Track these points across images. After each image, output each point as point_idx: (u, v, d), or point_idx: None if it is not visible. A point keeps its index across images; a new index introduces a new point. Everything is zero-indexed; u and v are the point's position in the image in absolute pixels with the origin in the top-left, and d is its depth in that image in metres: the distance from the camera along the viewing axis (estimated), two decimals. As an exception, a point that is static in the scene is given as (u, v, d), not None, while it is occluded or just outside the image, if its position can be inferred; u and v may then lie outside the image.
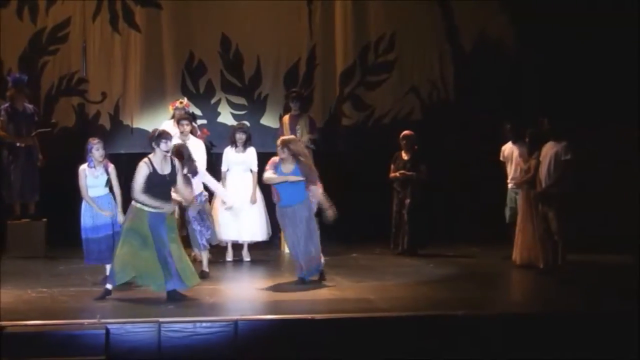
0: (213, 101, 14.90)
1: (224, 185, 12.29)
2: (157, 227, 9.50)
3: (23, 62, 14.41)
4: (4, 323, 8.24)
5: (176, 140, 12.18)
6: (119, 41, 14.67)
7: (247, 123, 12.83)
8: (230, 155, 12.39)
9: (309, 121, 13.64)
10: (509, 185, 12.55)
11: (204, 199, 11.34)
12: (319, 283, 10.69)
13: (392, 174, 13.04)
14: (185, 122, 12.15)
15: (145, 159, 9.59)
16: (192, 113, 13.28)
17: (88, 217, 10.50)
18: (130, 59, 14.70)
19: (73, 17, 14.57)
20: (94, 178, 10.47)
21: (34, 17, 14.50)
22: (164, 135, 9.64)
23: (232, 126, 13.25)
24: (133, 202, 9.59)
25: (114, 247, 10.04)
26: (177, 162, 9.80)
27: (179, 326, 8.36)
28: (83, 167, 10.53)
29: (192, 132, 12.37)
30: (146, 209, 9.49)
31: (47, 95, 14.46)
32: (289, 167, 10.62)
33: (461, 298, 9.81)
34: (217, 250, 12.55)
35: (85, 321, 8.39)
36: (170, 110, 13.03)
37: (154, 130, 9.95)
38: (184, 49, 14.82)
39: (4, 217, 12.97)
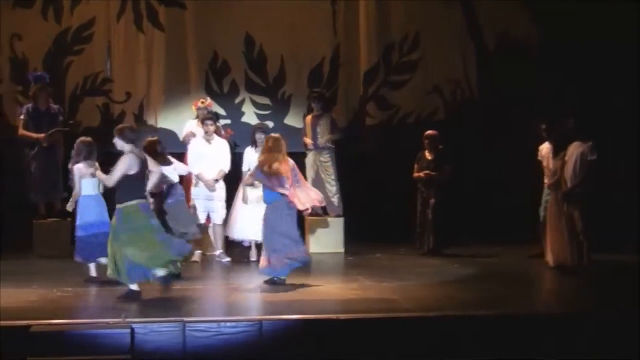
0: (237, 101, 14.93)
1: (244, 185, 12.33)
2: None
3: (48, 62, 14.49)
4: (30, 322, 8.27)
5: (200, 140, 12.26)
6: (143, 41, 14.71)
7: (267, 123, 12.85)
8: (250, 156, 12.39)
9: (330, 121, 13.62)
10: (546, 185, 12.50)
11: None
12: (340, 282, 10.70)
13: (416, 174, 13.02)
14: (209, 122, 12.19)
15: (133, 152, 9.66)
16: (216, 113, 13.30)
17: (83, 214, 10.59)
18: (155, 59, 14.74)
19: (98, 17, 14.63)
20: (90, 176, 10.55)
21: (58, 17, 14.57)
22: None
23: (253, 126, 13.27)
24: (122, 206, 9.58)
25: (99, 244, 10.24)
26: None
27: (204, 326, 8.36)
28: (79, 166, 10.63)
29: (217, 132, 12.39)
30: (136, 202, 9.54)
31: (72, 96, 14.53)
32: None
33: (485, 298, 9.78)
34: (241, 251, 12.58)
35: (111, 320, 8.41)
36: (194, 110, 13.06)
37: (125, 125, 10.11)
38: (208, 48, 14.85)
39: (29, 216, 13.00)
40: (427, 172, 12.90)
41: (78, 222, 10.69)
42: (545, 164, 12.45)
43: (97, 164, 10.61)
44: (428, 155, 13.01)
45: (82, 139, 10.93)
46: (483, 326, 8.64)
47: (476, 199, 14.25)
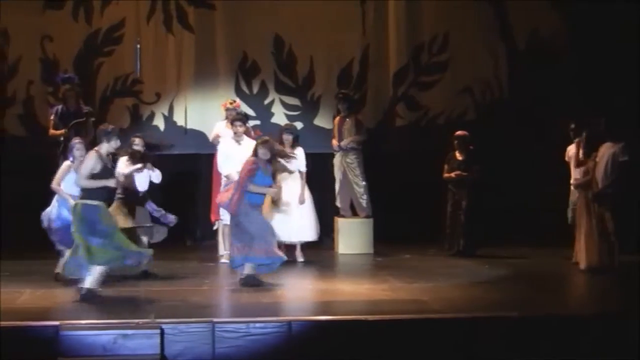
0: (266, 102, 14.92)
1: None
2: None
3: (78, 63, 14.53)
4: (59, 322, 8.30)
5: (229, 141, 12.25)
6: (172, 42, 14.74)
7: (296, 124, 12.83)
8: (278, 156, 12.42)
9: (354, 122, 13.59)
10: (572, 186, 12.45)
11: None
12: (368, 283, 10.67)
13: (446, 175, 13.00)
14: (238, 123, 12.18)
15: (97, 149, 9.66)
16: (245, 113, 13.29)
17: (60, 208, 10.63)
18: (184, 59, 14.76)
19: (127, 18, 14.66)
20: (75, 174, 10.54)
21: (89, 18, 14.61)
22: (114, 133, 9.72)
23: (280, 127, 13.27)
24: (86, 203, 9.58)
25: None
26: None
27: (233, 326, 8.36)
28: (68, 163, 10.71)
29: (246, 133, 12.39)
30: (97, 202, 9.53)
31: (101, 96, 14.57)
32: (268, 168, 10.57)
33: (515, 299, 9.74)
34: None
35: (140, 320, 8.42)
36: (223, 111, 13.07)
37: (107, 125, 10.07)
38: (237, 49, 14.85)
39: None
40: (458, 172, 12.86)
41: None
42: (572, 164, 12.40)
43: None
44: (458, 156, 12.97)
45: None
46: (513, 328, 8.59)
47: (505, 199, 14.16)
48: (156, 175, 11.26)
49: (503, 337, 8.53)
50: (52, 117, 12.92)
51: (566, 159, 12.57)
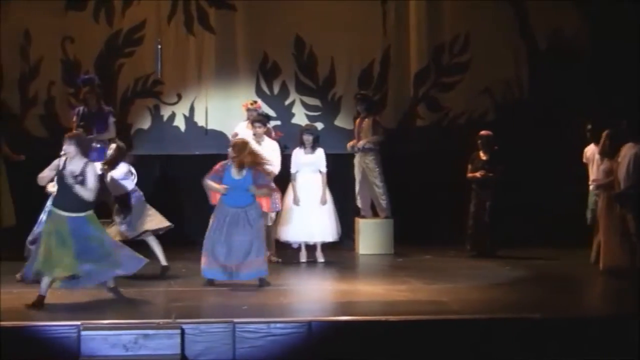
0: (287, 102, 14.92)
1: (293, 187, 12.38)
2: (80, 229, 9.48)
3: (99, 64, 14.57)
4: (81, 322, 8.33)
5: (250, 141, 12.25)
6: (193, 43, 14.76)
7: (316, 124, 12.84)
8: (299, 157, 12.43)
9: (372, 123, 13.59)
10: (591, 187, 12.41)
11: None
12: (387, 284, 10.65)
13: (470, 174, 12.99)
14: (258, 124, 12.20)
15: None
16: (266, 114, 13.32)
17: None
18: (205, 60, 14.78)
19: (148, 19, 14.68)
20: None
21: (110, 19, 14.65)
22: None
23: (300, 128, 13.28)
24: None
25: None
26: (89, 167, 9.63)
27: (254, 327, 8.38)
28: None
29: (267, 134, 12.40)
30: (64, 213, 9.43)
31: (122, 97, 14.59)
32: (240, 172, 10.53)
33: (536, 301, 9.72)
34: (292, 252, 12.58)
35: (161, 321, 8.45)
36: (244, 111, 13.09)
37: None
38: (258, 50, 14.86)
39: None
40: (483, 172, 12.85)
41: None
42: (589, 165, 12.37)
43: None
44: (482, 156, 12.97)
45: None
46: (533, 329, 8.57)
47: (525, 200, 14.11)
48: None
49: (523, 338, 8.51)
50: (74, 119, 12.98)
51: (584, 160, 12.55)
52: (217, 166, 10.59)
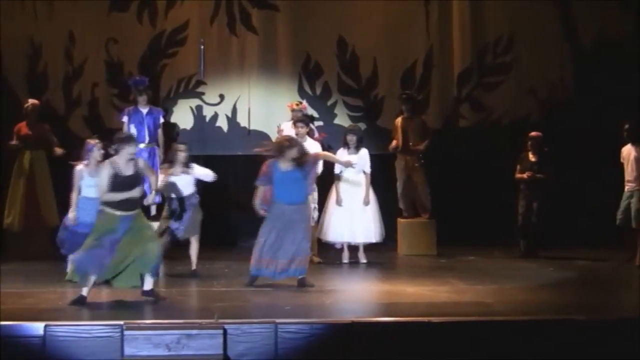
0: (329, 103, 14.91)
1: (337, 187, 12.33)
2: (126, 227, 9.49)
3: (143, 65, 14.64)
4: (124, 322, 8.35)
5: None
6: (236, 43, 14.79)
7: (359, 125, 12.81)
8: (343, 157, 12.39)
9: (421, 124, 13.53)
10: (626, 188, 12.32)
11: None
12: (430, 285, 10.60)
13: (518, 175, 12.92)
14: (300, 124, 12.18)
15: (110, 159, 9.54)
16: (310, 115, 13.30)
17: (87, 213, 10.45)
18: (247, 61, 14.80)
19: (191, 20, 14.73)
20: (91, 178, 10.49)
21: (153, 20, 14.71)
22: (127, 141, 9.58)
23: (345, 128, 13.26)
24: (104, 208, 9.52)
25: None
26: (141, 164, 9.70)
27: (296, 327, 8.34)
28: (79, 167, 10.66)
29: (310, 134, 12.39)
30: (118, 213, 9.42)
31: (165, 98, 14.65)
32: (288, 165, 10.50)
33: (581, 302, 9.62)
34: (334, 253, 12.56)
35: (203, 321, 8.44)
36: (289, 111, 13.09)
37: (120, 132, 10.11)
38: (300, 50, 14.86)
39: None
40: (531, 173, 12.78)
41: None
42: (625, 166, 12.27)
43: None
44: (531, 157, 12.90)
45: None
46: (580, 330, 8.48)
47: (571, 201, 14.01)
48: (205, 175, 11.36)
49: (569, 339, 8.42)
50: (124, 119, 13.04)
51: (621, 160, 12.45)
52: (263, 167, 10.59)
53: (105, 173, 9.38)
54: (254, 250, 10.48)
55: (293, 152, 10.43)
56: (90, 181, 10.49)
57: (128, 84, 13.48)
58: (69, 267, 10.43)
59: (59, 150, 13.04)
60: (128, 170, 9.44)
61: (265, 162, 10.59)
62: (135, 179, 9.48)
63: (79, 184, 10.63)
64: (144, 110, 13.09)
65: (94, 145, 10.70)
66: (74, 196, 10.65)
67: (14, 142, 13.05)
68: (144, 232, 9.54)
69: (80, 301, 9.27)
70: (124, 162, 9.43)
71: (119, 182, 9.36)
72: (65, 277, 10.42)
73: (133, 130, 12.97)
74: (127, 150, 9.44)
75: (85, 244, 9.43)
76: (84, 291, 9.32)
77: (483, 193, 14.05)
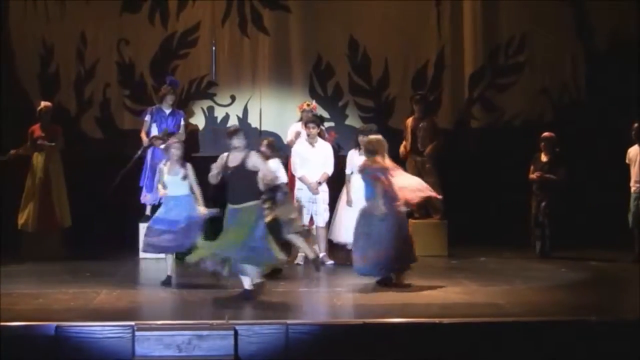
0: (341, 104, 14.91)
1: (347, 188, 12.31)
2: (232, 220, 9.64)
3: (154, 66, 14.67)
4: (135, 322, 8.36)
5: (303, 143, 12.27)
6: (247, 44, 14.80)
7: (373, 126, 12.79)
8: (354, 159, 12.35)
9: (431, 125, 13.51)
10: (632, 189, 12.30)
11: None
12: (443, 286, 10.59)
13: (530, 176, 12.91)
14: (312, 124, 12.19)
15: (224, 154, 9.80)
16: (320, 116, 13.30)
17: (161, 210, 10.66)
18: (259, 62, 14.82)
19: (202, 21, 14.75)
20: (170, 176, 10.57)
21: (164, 21, 14.74)
22: (236, 134, 9.78)
23: (356, 129, 13.25)
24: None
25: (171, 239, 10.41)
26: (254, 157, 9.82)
27: (307, 328, 8.34)
28: (161, 166, 10.74)
29: (320, 135, 12.38)
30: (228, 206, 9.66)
31: (177, 99, 14.62)
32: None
33: (593, 303, 9.59)
34: (345, 253, 12.54)
35: (214, 322, 8.45)
36: (298, 112, 13.10)
37: (231, 126, 10.39)
38: (312, 51, 14.86)
39: (136, 218, 13.17)
40: (539, 173, 12.76)
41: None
42: (632, 166, 12.24)
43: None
44: (543, 157, 12.87)
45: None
46: (591, 331, 8.46)
47: (582, 202, 13.98)
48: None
49: (580, 340, 8.40)
50: (147, 118, 13.07)
51: (627, 161, 12.43)
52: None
53: (218, 161, 9.71)
54: (354, 251, 10.69)
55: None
56: (170, 179, 10.59)
57: (165, 81, 13.47)
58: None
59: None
60: (233, 162, 9.67)
61: None
62: (241, 170, 9.66)
63: (162, 181, 10.67)
64: (167, 111, 13.14)
65: (173, 144, 10.77)
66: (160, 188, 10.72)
67: (21, 150, 13.11)
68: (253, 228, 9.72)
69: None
70: (234, 154, 9.72)
71: (227, 174, 9.65)
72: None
73: (154, 130, 13.02)
74: (233, 143, 9.69)
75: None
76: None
77: (494, 194, 14.04)
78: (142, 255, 12.67)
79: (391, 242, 10.41)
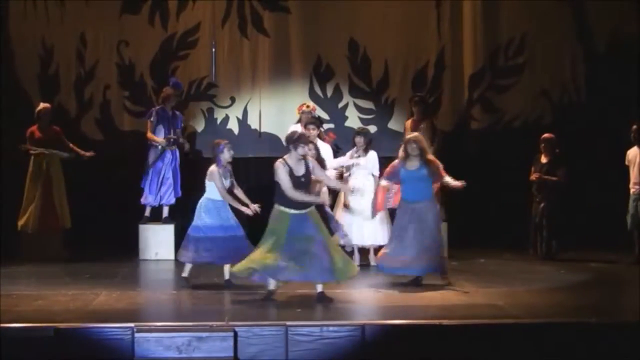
0: (340, 105, 14.90)
1: (344, 190, 12.29)
2: (301, 227, 9.60)
3: (154, 67, 14.66)
4: (135, 324, 8.36)
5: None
6: (247, 46, 14.79)
7: (370, 127, 12.84)
8: (352, 159, 12.37)
9: (430, 127, 13.50)
10: (631, 191, 12.30)
11: None
12: (443, 288, 10.58)
13: (530, 177, 12.92)
14: (312, 126, 12.19)
15: (281, 160, 9.71)
16: (319, 117, 13.30)
17: (209, 216, 10.55)
18: (259, 63, 14.80)
19: (202, 22, 14.74)
20: (223, 179, 10.54)
21: (164, 22, 14.72)
22: (302, 139, 9.72)
23: (354, 130, 13.24)
24: (276, 206, 9.70)
25: (225, 247, 10.37)
26: (311, 163, 9.85)
27: (306, 330, 8.35)
28: (214, 168, 10.58)
29: (320, 136, 12.38)
30: (289, 211, 9.59)
31: (177, 100, 14.63)
32: (414, 164, 10.67)
33: (593, 305, 9.58)
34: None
35: (214, 323, 8.45)
36: (297, 114, 13.10)
37: (294, 132, 10.02)
38: (311, 53, 14.85)
39: (135, 220, 13.17)
40: (538, 174, 12.77)
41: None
42: (631, 168, 12.24)
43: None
44: (543, 158, 12.88)
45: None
46: (591, 333, 8.46)
47: (582, 203, 13.96)
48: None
49: (580, 342, 8.40)
50: (151, 119, 13.07)
51: (626, 162, 12.43)
52: (389, 168, 10.84)
53: (283, 171, 9.64)
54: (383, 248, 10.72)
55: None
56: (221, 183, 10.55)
57: (169, 83, 13.47)
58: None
59: (83, 153, 13.11)
60: (300, 170, 9.70)
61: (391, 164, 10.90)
62: (307, 178, 9.77)
63: (222, 185, 10.57)
64: (169, 113, 13.17)
65: (224, 146, 10.65)
66: (224, 195, 10.56)
67: (33, 148, 13.05)
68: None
69: (270, 295, 9.78)
70: (294, 161, 9.70)
71: (293, 182, 9.61)
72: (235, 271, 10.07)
73: (161, 131, 13.02)
74: (299, 151, 9.69)
75: (266, 247, 9.66)
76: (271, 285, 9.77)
77: (494, 195, 14.03)
78: (141, 256, 12.74)
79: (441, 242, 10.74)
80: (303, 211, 9.65)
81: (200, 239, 10.51)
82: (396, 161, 10.86)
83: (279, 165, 9.67)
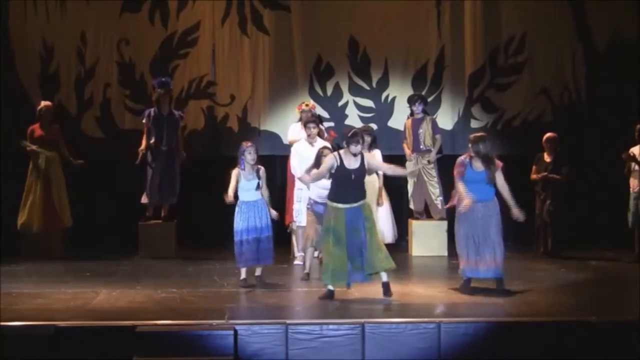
0: (340, 104, 14.90)
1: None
2: (354, 221, 9.74)
3: (154, 65, 14.66)
4: (135, 322, 8.36)
5: (303, 142, 12.25)
6: (247, 44, 14.78)
7: (370, 125, 12.81)
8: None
9: (432, 124, 13.50)
10: (632, 189, 12.32)
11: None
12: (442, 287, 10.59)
13: (533, 176, 12.92)
14: (312, 125, 12.17)
15: (336, 152, 9.97)
16: (319, 115, 13.30)
17: (241, 219, 10.54)
18: (259, 62, 14.79)
19: (202, 21, 14.74)
20: (247, 181, 10.50)
21: (164, 21, 14.73)
22: (354, 138, 9.83)
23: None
24: (328, 202, 9.85)
25: (260, 249, 10.39)
26: (367, 159, 10.00)
27: (306, 328, 8.35)
28: (235, 170, 10.58)
29: (320, 135, 12.38)
30: (341, 206, 9.72)
31: (177, 99, 14.63)
32: (479, 165, 10.47)
33: (593, 303, 9.58)
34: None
35: (214, 322, 8.45)
36: (297, 112, 13.09)
37: (348, 130, 10.17)
38: (312, 51, 14.85)
39: (136, 218, 13.17)
40: (545, 173, 12.78)
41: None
42: (633, 167, 12.25)
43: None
44: (546, 157, 12.89)
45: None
46: (591, 332, 8.46)
47: (583, 202, 13.97)
48: None
49: (580, 341, 8.40)
50: (145, 121, 13.07)
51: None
52: (458, 166, 10.60)
53: (328, 160, 9.90)
54: (460, 254, 10.49)
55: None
56: (247, 185, 10.52)
57: (153, 85, 13.47)
58: None
59: (75, 162, 13.08)
60: (352, 164, 9.83)
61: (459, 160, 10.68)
62: (360, 173, 9.88)
63: (235, 187, 10.53)
64: (164, 113, 13.12)
65: (247, 148, 10.60)
66: (230, 194, 10.53)
67: (30, 146, 13.04)
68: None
69: (330, 296, 9.76)
70: (348, 156, 9.84)
71: (342, 174, 9.77)
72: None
73: (152, 133, 13.00)
74: (351, 149, 9.80)
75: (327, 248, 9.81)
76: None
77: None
78: (141, 255, 12.75)
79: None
80: (354, 204, 9.77)
81: (237, 242, 10.51)
82: (462, 160, 10.56)
83: (330, 155, 9.96)
